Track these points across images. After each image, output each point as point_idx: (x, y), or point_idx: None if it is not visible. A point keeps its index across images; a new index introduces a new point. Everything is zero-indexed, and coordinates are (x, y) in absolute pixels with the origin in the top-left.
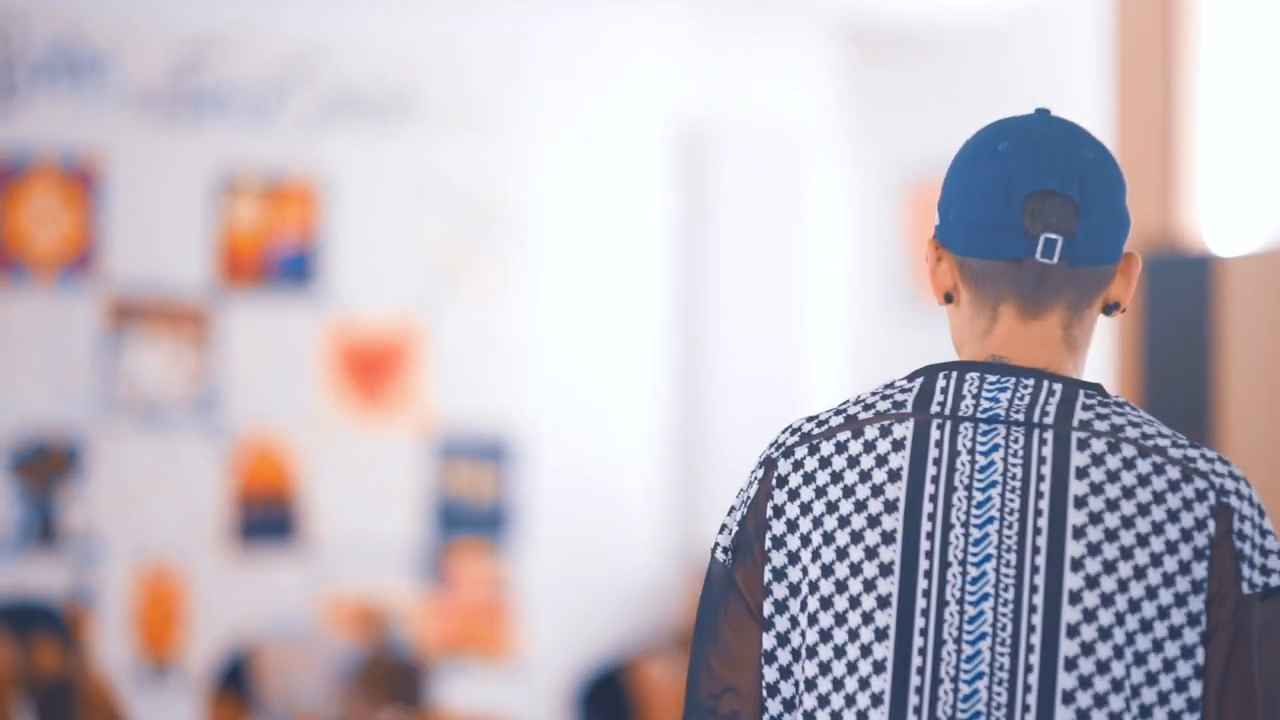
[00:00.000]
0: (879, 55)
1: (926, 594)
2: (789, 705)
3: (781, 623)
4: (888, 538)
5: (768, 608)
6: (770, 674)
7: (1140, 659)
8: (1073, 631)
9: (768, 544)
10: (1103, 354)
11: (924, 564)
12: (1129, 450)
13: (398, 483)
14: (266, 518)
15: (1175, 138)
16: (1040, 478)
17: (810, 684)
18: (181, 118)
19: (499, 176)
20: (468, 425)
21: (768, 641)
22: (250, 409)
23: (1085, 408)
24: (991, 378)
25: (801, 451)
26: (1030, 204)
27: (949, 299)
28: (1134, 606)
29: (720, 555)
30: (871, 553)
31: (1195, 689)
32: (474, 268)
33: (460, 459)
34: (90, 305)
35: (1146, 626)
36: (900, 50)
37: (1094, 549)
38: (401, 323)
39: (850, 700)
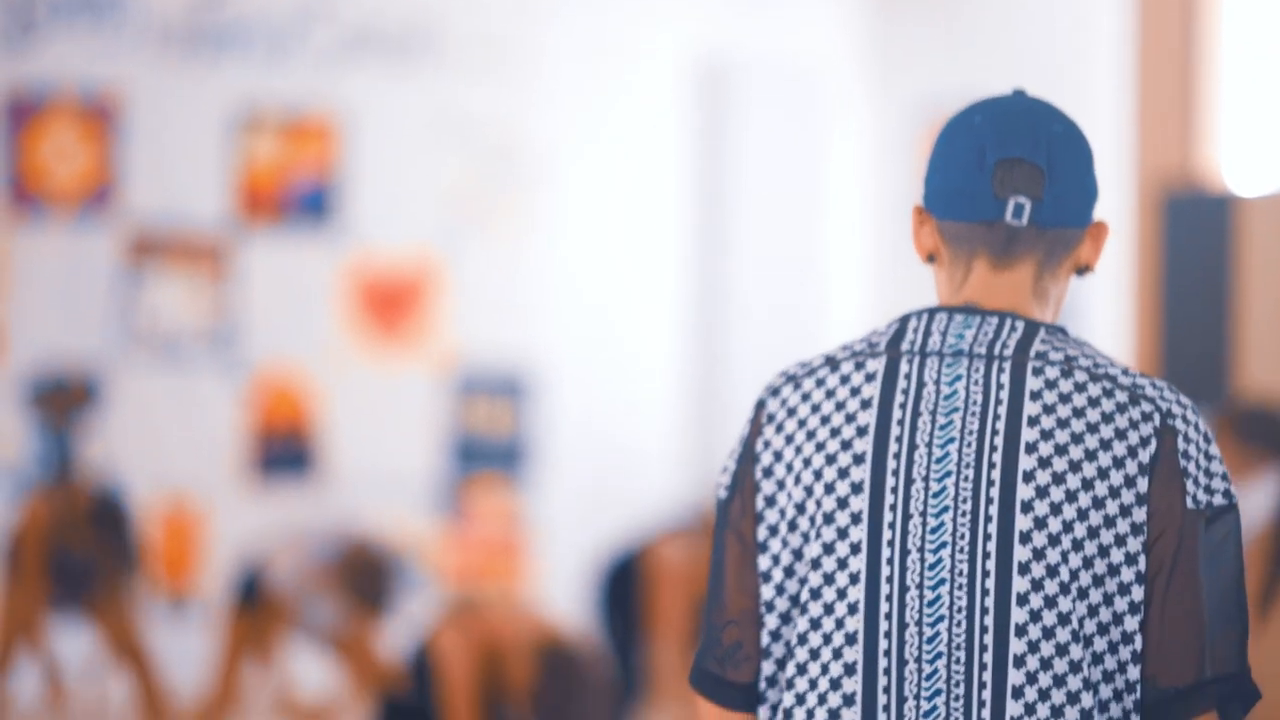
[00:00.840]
0: None
1: (893, 509)
2: (784, 619)
3: (775, 544)
4: (859, 459)
5: (762, 533)
6: (767, 592)
7: (1088, 563)
8: (1025, 538)
9: (758, 475)
10: (1123, 292)
11: (891, 481)
12: (1081, 376)
13: (415, 417)
14: (284, 452)
15: (1196, 79)
16: (998, 401)
17: (795, 599)
18: (201, 54)
19: (520, 114)
20: (486, 361)
21: (764, 563)
22: (268, 344)
23: (1043, 341)
24: (959, 317)
25: (787, 390)
26: (1000, 170)
27: (932, 259)
28: (1081, 515)
29: (723, 492)
30: (844, 473)
31: (1138, 593)
32: (494, 205)
33: (478, 394)
34: (109, 240)
35: (1093, 534)
36: None
37: (1044, 463)
38: (420, 259)
39: (829, 609)
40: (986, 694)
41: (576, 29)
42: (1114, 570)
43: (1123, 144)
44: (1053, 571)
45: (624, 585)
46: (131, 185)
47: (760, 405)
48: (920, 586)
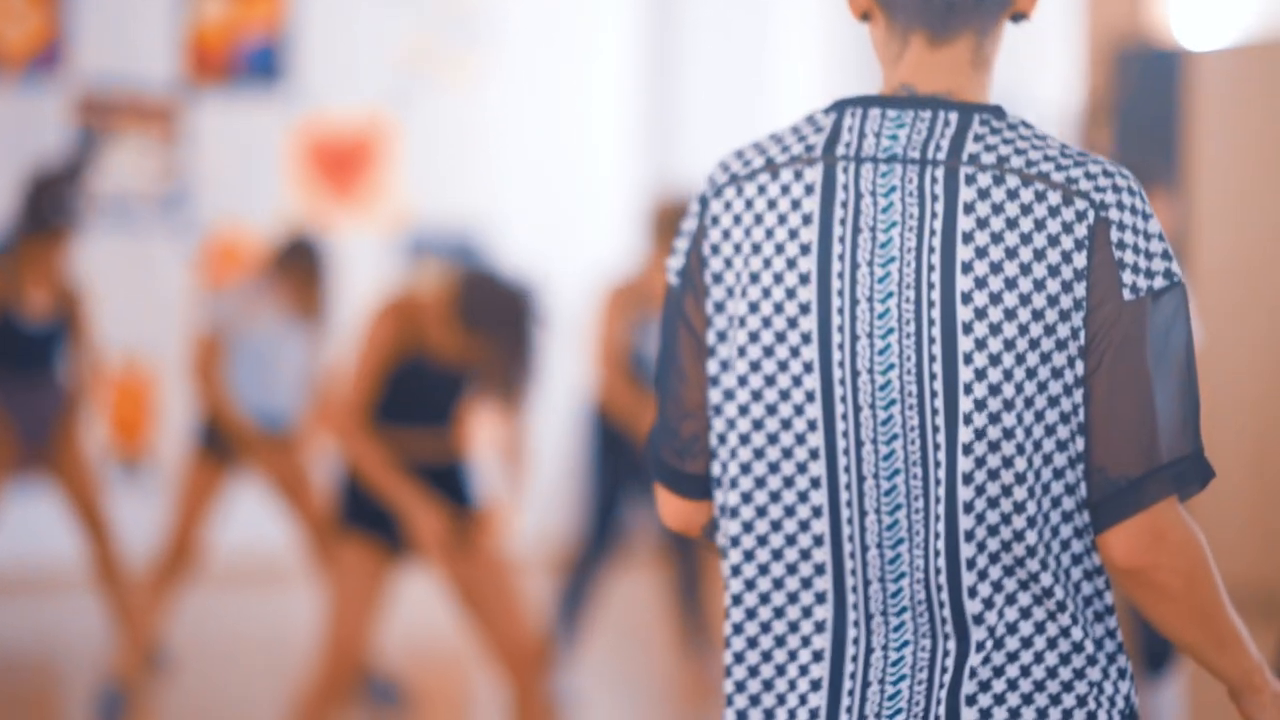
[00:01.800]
0: None
1: (841, 329)
2: (731, 425)
3: (724, 350)
4: (804, 278)
5: (710, 337)
6: (715, 395)
7: (1031, 373)
8: (968, 359)
9: (707, 279)
10: (1075, 144)
11: (837, 301)
12: (1013, 180)
13: (367, 278)
14: None
15: None
16: (933, 215)
17: (744, 409)
18: None
19: None
20: (438, 221)
21: (712, 367)
22: (219, 206)
23: (976, 138)
24: (892, 113)
25: (730, 193)
26: None
27: (866, 18)
28: (1022, 330)
29: (674, 279)
30: (791, 292)
31: (1079, 395)
32: (444, 64)
33: (430, 255)
34: (58, 102)
35: (1034, 344)
36: None
37: (981, 283)
38: (370, 120)
39: (787, 424)
40: (941, 509)
41: None
42: (1057, 373)
43: (1073, 1)
44: (995, 390)
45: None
46: (80, 46)
47: (704, 202)
48: (873, 406)
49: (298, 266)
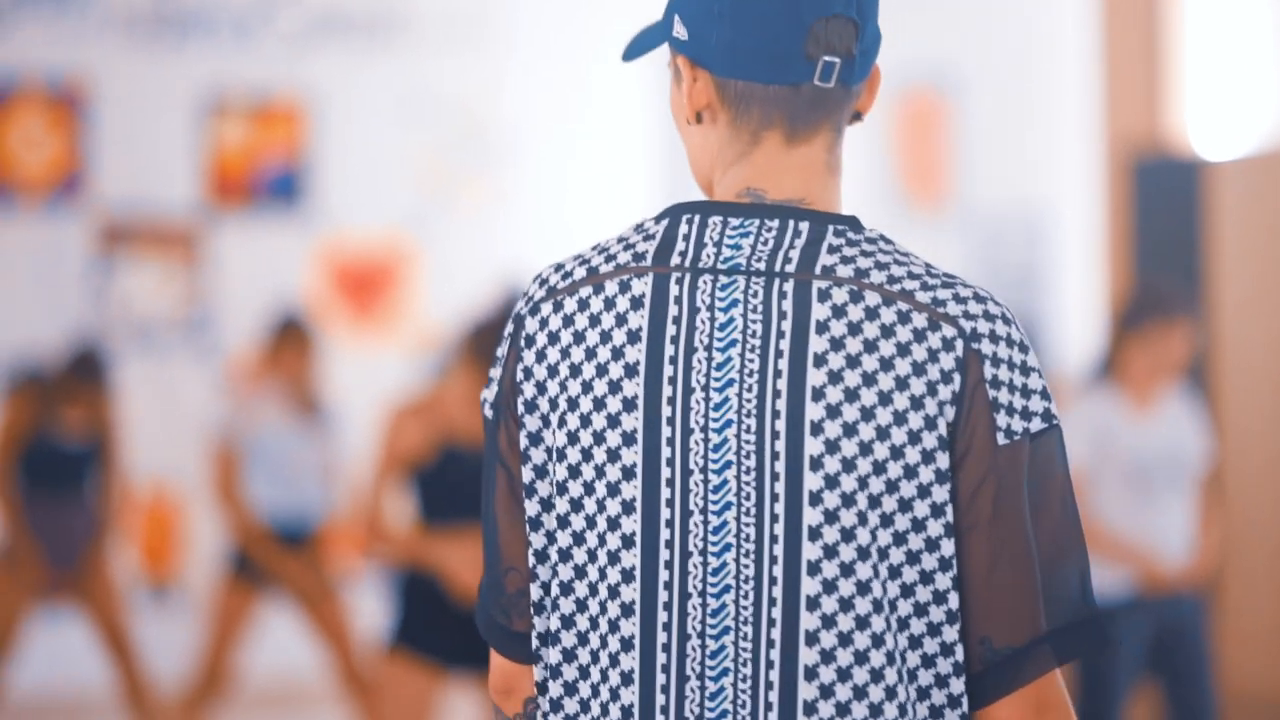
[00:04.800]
0: None
1: (670, 463)
2: (554, 573)
3: (543, 488)
4: (629, 404)
5: (527, 474)
6: (537, 540)
7: (887, 520)
8: (815, 499)
9: (520, 408)
10: (1094, 258)
11: (666, 431)
12: (873, 298)
13: (393, 399)
14: None
15: (1163, 44)
16: (780, 334)
17: (565, 554)
18: (167, 39)
19: (488, 92)
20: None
21: (531, 508)
22: (243, 329)
23: (831, 249)
24: (735, 221)
25: (547, 309)
26: (817, 28)
27: (698, 119)
28: (878, 469)
29: (488, 412)
30: (614, 420)
31: (946, 548)
32: (464, 183)
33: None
34: (80, 229)
35: (892, 488)
36: None
37: (834, 411)
38: (392, 240)
39: (603, 574)
40: (775, 675)
41: (543, 5)
42: (918, 525)
43: (1091, 111)
44: (848, 535)
45: None
46: (101, 172)
47: (519, 322)
48: (704, 553)
49: (289, 337)
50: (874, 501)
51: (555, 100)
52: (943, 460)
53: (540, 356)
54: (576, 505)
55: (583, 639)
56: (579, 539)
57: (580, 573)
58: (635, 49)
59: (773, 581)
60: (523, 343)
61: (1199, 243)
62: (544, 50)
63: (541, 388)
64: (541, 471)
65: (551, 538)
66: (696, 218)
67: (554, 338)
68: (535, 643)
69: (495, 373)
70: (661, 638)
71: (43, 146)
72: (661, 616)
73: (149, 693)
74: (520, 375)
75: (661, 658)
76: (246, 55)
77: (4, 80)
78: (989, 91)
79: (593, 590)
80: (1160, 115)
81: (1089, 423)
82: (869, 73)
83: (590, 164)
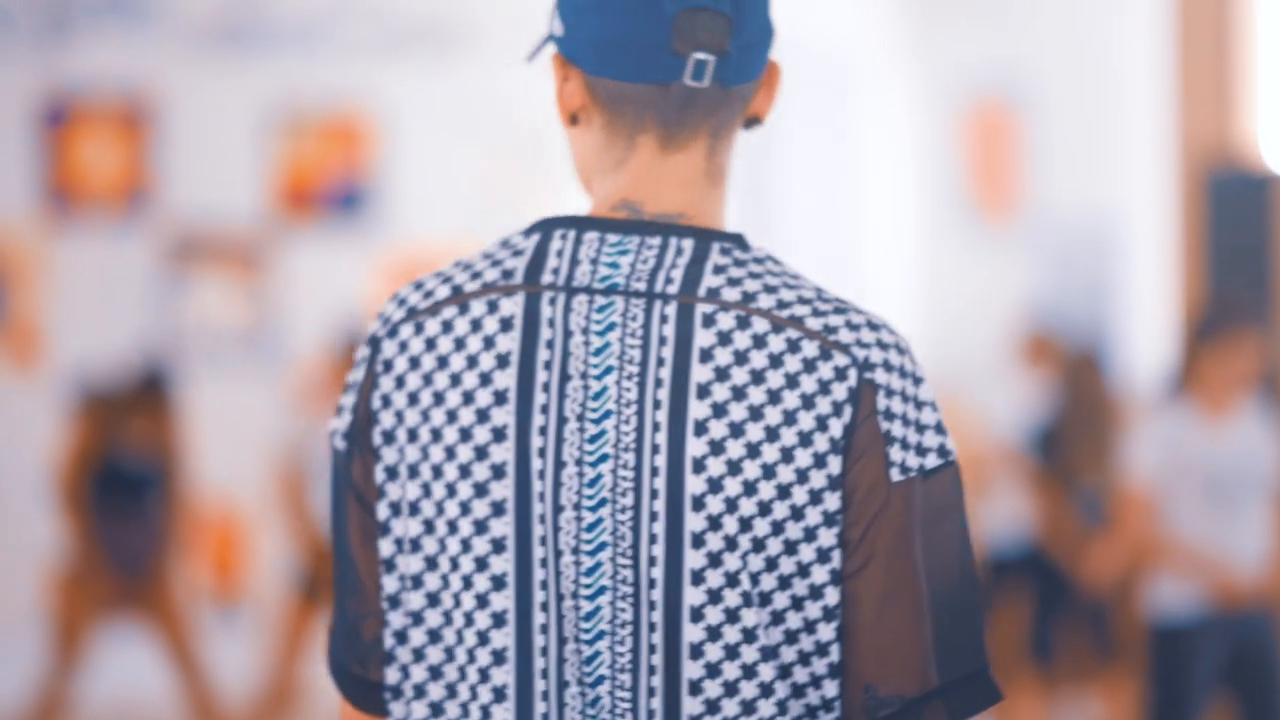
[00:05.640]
0: None
1: (543, 498)
2: (417, 619)
3: (400, 526)
4: (499, 435)
5: (383, 510)
6: (391, 584)
7: (772, 564)
8: (698, 541)
9: (377, 439)
10: (1167, 270)
11: (537, 464)
12: (761, 325)
13: None
14: None
15: (1235, 56)
16: (660, 362)
17: (434, 598)
18: (235, 53)
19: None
20: None
21: (386, 548)
22: (309, 343)
23: (717, 270)
24: (613, 238)
25: (406, 331)
26: (680, 21)
27: (574, 121)
28: (764, 509)
29: (339, 443)
30: (482, 452)
31: (831, 595)
32: (533, 196)
33: None
34: (147, 243)
35: (779, 529)
36: None
37: (718, 447)
38: (460, 253)
39: (469, 619)
40: None
41: None
42: (804, 570)
43: (1163, 124)
44: (732, 580)
45: None
46: (169, 187)
47: (375, 344)
48: (576, 596)
49: (350, 350)
50: (759, 544)
51: None
52: (831, 501)
53: (399, 383)
54: (441, 545)
55: (451, 691)
56: (445, 582)
57: (448, 618)
58: (536, 48)
59: (651, 628)
60: (379, 368)
61: (1271, 254)
62: None
63: (400, 417)
64: (398, 508)
65: (418, 581)
66: (571, 233)
67: (415, 362)
68: (388, 695)
69: (348, 400)
70: (540, 685)
71: (110, 161)
72: (539, 663)
73: (216, 709)
74: (377, 403)
75: (541, 707)
76: (314, 68)
77: (72, 94)
78: (1060, 104)
79: (459, 637)
80: (1232, 127)
81: (1161, 436)
82: (756, 73)
83: None
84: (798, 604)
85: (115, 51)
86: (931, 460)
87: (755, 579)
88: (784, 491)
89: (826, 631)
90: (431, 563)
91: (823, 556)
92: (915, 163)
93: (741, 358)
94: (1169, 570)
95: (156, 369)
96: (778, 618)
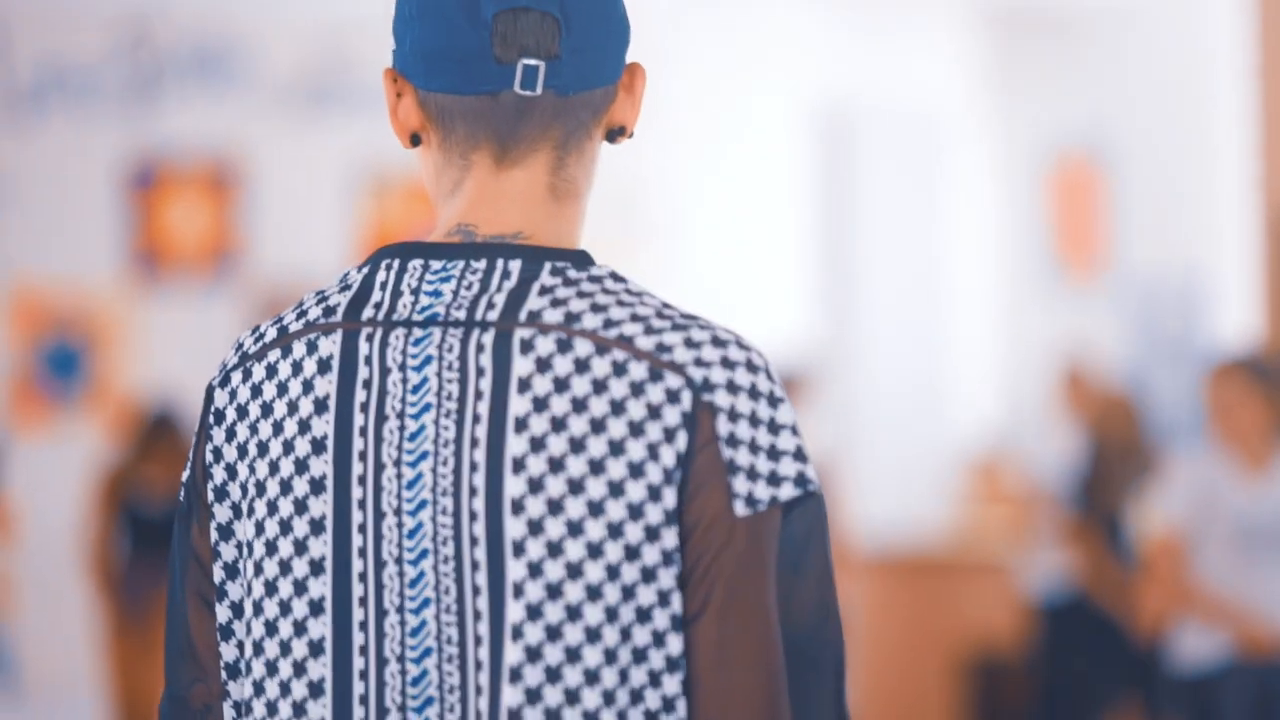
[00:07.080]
0: (1019, 36)
1: (363, 553)
2: (259, 688)
3: (235, 590)
4: (317, 486)
5: (218, 573)
6: (228, 651)
7: (611, 614)
8: (519, 591)
9: (210, 496)
10: (1252, 325)
11: (358, 516)
12: (584, 347)
13: None
14: None
15: None
16: (478, 396)
17: (271, 668)
18: (322, 114)
19: (642, 163)
20: None
21: (222, 614)
22: None
23: (543, 291)
24: (436, 265)
25: (236, 378)
26: (500, 25)
27: (416, 141)
28: (594, 551)
29: (181, 497)
30: (301, 506)
31: (674, 644)
32: (624, 255)
33: None
34: (235, 304)
35: (613, 573)
36: (1040, 31)
37: (537, 485)
38: None
39: (285, 689)
40: None
41: (693, 74)
42: (644, 616)
43: (1248, 180)
44: (554, 634)
45: None
46: (256, 247)
47: (209, 395)
48: (402, 659)
49: None
50: (592, 592)
51: (706, 169)
52: (670, 538)
53: (230, 434)
54: (258, 608)
55: None
56: (258, 649)
57: (259, 689)
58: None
59: (478, 692)
60: (212, 419)
61: None
62: (694, 119)
63: (232, 471)
64: (232, 571)
65: (258, 648)
66: (396, 262)
67: (242, 411)
68: None
69: (192, 453)
70: None
71: (198, 222)
72: None
73: None
74: (210, 457)
75: None
76: None
77: (159, 156)
78: (1144, 161)
79: (271, 709)
80: None
81: (1191, 482)
82: (604, 79)
83: (742, 234)
84: (640, 656)
85: (201, 114)
86: (787, 491)
87: (590, 633)
88: (616, 530)
89: (672, 685)
90: (273, 629)
91: (663, 600)
92: (1001, 220)
93: (562, 385)
94: (1195, 618)
95: (165, 411)
96: (623, 676)
